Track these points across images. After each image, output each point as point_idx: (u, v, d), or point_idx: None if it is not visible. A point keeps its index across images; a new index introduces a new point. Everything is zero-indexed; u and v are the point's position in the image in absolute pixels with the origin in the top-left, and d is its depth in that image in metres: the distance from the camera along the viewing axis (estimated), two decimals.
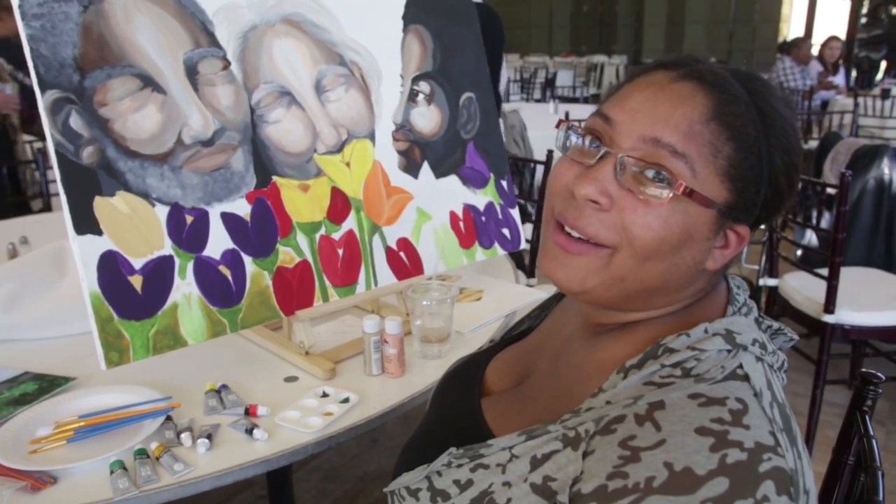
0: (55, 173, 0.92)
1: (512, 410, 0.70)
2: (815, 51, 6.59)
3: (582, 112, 4.18)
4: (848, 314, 2.08)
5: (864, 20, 10.53)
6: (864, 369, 0.81)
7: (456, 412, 0.75)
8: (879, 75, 7.62)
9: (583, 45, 12.86)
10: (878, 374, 0.77)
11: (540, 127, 4.09)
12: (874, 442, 0.72)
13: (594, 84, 10.09)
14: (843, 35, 10.78)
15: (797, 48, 6.39)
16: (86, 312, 1.25)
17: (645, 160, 0.58)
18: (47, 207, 2.81)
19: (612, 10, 12.91)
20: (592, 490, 0.52)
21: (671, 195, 0.57)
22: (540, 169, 2.47)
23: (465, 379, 0.79)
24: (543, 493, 0.56)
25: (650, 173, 0.58)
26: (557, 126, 0.65)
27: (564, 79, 9.49)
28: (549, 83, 8.71)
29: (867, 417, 0.76)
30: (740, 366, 0.56)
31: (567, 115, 3.76)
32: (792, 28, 12.01)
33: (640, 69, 0.64)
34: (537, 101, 8.01)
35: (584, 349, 0.68)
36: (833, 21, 11.54)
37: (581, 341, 0.69)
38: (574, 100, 8.21)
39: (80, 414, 0.98)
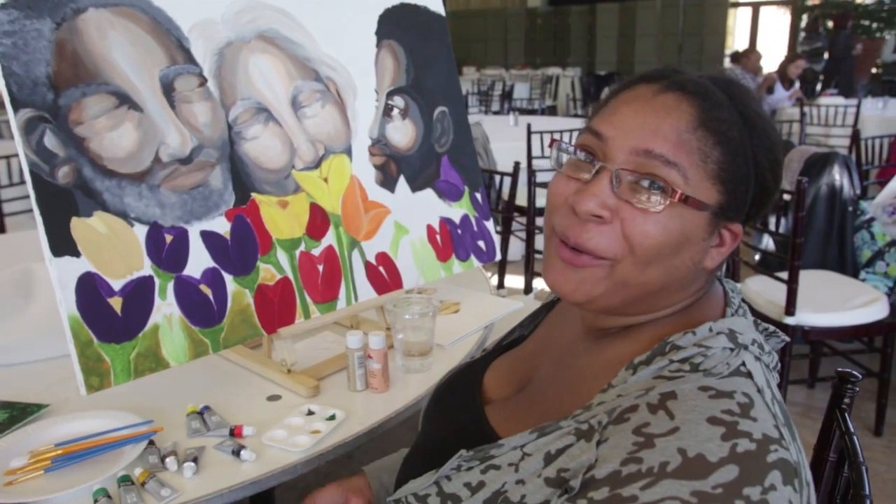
0: (29, 193, 0.89)
1: (517, 414, 0.71)
2: (765, 64, 6.85)
3: (542, 124, 4.24)
4: (807, 316, 2.16)
5: (802, 33, 10.99)
6: (837, 370, 0.84)
7: (461, 421, 0.75)
8: (819, 86, 7.97)
9: (538, 58, 13.06)
10: (855, 372, 0.80)
11: (502, 139, 4.13)
12: (856, 438, 0.75)
13: (549, 96, 10.24)
14: (784, 47, 11.23)
15: (746, 58, 6.66)
16: (56, 337, 1.21)
17: (639, 171, 0.61)
18: (1, 229, 2.72)
19: (565, 23, 13.15)
20: (606, 475, 0.54)
21: (668, 202, 0.60)
22: (507, 181, 2.49)
23: (464, 389, 0.80)
24: (557, 483, 0.58)
25: (645, 183, 0.60)
26: (550, 145, 0.68)
27: (521, 91, 9.60)
28: (507, 95, 8.81)
29: (847, 414, 0.79)
30: (743, 363, 0.59)
31: (529, 126, 3.81)
32: (737, 40, 12.44)
33: (622, 84, 0.68)
34: (496, 113, 8.08)
35: (588, 352, 0.70)
36: (774, 33, 12.01)
37: (583, 346, 0.71)
38: (532, 111, 8.31)
39: (57, 442, 0.95)
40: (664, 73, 0.65)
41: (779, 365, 0.66)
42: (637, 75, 0.67)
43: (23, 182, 3.11)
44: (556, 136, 3.82)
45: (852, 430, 0.77)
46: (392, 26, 1.36)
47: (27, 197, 2.97)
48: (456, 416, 0.77)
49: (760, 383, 0.58)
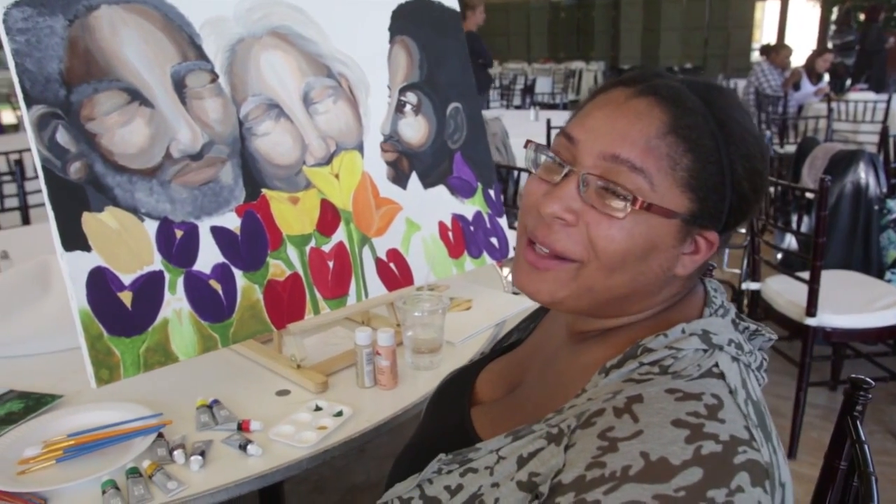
0: (42, 189, 0.90)
1: (501, 418, 0.71)
2: (795, 58, 6.73)
3: (562, 119, 4.21)
4: (829, 317, 2.12)
5: (833, 27, 10.75)
6: (850, 375, 0.83)
7: (446, 422, 0.76)
8: (849, 81, 7.79)
9: (560, 52, 12.96)
10: (868, 379, 0.79)
11: (522, 134, 4.10)
12: (867, 447, 0.73)
13: (573, 90, 10.17)
14: (814, 40, 11.01)
15: (776, 53, 6.53)
16: (71, 328, 1.23)
17: (605, 176, 0.61)
18: (26, 220, 2.77)
19: (588, 17, 13.03)
20: (572, 480, 0.53)
21: (630, 209, 0.60)
22: (524, 176, 2.48)
23: (457, 390, 0.80)
24: (528, 488, 0.58)
25: (611, 189, 0.60)
26: (525, 146, 0.68)
27: (543, 85, 9.55)
28: (529, 90, 8.76)
29: (858, 423, 0.77)
30: (716, 364, 0.58)
31: (549, 122, 3.78)
32: (764, 34, 12.22)
33: (600, 87, 0.67)
34: (517, 107, 8.05)
35: (568, 356, 0.70)
36: (804, 27, 11.77)
37: (566, 349, 0.71)
38: (553, 106, 8.27)
39: (69, 433, 0.97)
40: (642, 77, 0.65)
41: (765, 363, 0.65)
42: (616, 78, 0.67)
43: None
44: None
45: (863, 438, 0.75)
46: (405, 22, 1.36)
47: None
48: (444, 417, 0.78)
49: (734, 384, 0.57)
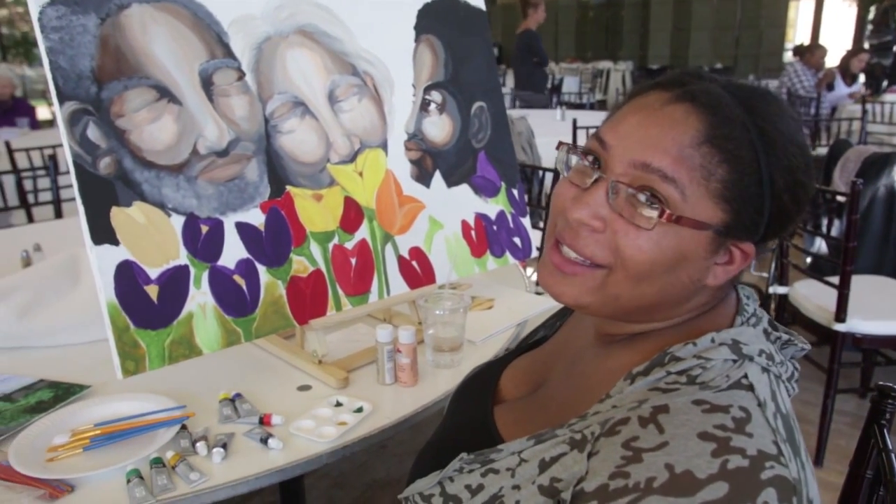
0: (72, 183, 0.92)
1: (524, 418, 0.71)
2: (829, 58, 6.60)
3: (589, 119, 4.18)
4: (859, 323, 2.07)
5: (870, 26, 10.52)
6: (879, 382, 0.81)
7: (469, 419, 0.76)
8: (886, 82, 7.61)
9: (588, 51, 12.87)
10: None
11: (547, 133, 4.09)
12: (893, 456, 0.72)
13: (600, 90, 10.09)
14: (849, 40, 10.77)
15: (810, 53, 6.40)
16: (99, 320, 1.25)
17: (635, 185, 0.59)
18: (59, 214, 2.83)
19: (617, 16, 12.91)
20: (594, 489, 0.53)
21: (659, 221, 0.58)
22: (549, 176, 2.47)
23: (481, 387, 0.80)
24: (550, 493, 0.57)
25: (640, 198, 0.59)
26: (557, 147, 0.67)
27: (570, 85, 9.48)
28: (556, 89, 8.71)
29: (885, 431, 0.76)
30: (745, 376, 0.57)
31: (575, 122, 3.76)
32: (798, 33, 11.99)
33: (637, 89, 0.65)
34: (543, 107, 8.01)
35: (595, 358, 0.69)
36: (839, 26, 11.52)
37: (592, 351, 0.71)
38: (580, 106, 8.20)
39: (96, 422, 0.99)
40: (680, 81, 0.62)
41: (796, 374, 0.63)
42: (654, 80, 0.65)
43: None
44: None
45: (890, 447, 0.73)
46: (431, 21, 1.36)
47: None
48: (467, 414, 0.78)
49: (763, 396, 0.56)
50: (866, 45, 8.68)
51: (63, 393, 1.09)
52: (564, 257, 0.64)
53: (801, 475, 0.53)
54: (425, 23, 1.36)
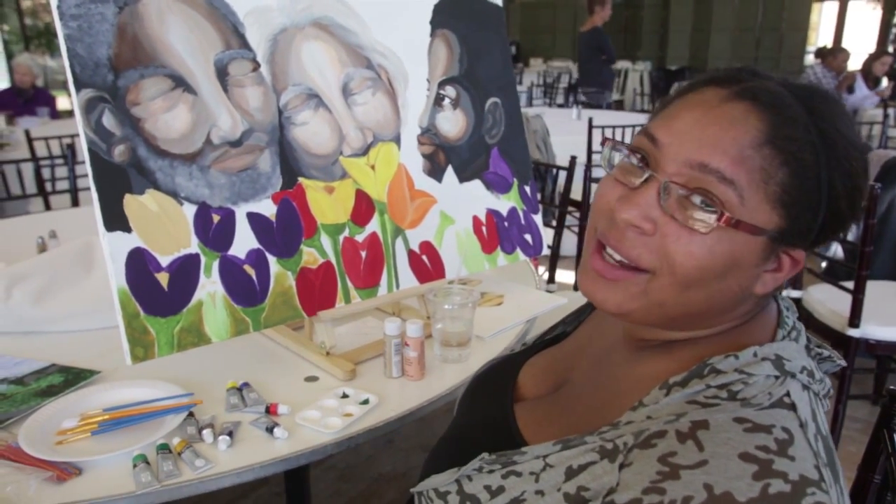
0: (87, 170, 0.93)
1: (546, 419, 0.69)
2: (852, 62, 6.51)
3: (605, 118, 4.16)
4: (873, 328, 2.05)
5: (894, 30, 10.36)
6: (891, 386, 0.80)
7: (488, 416, 0.74)
8: None
9: None
10: None
11: (563, 132, 4.08)
12: None
13: (617, 90, 10.02)
14: (873, 44, 10.63)
15: (833, 57, 6.31)
16: (111, 307, 1.27)
17: (690, 186, 0.56)
18: (75, 203, 2.86)
19: (637, 15, 12.82)
20: (626, 502, 0.51)
21: (716, 225, 0.55)
22: (563, 175, 2.46)
23: (498, 382, 0.78)
24: (576, 501, 0.55)
25: (695, 200, 0.56)
26: (602, 143, 0.64)
27: None
28: (573, 88, 8.67)
29: (895, 435, 0.75)
30: (787, 394, 0.54)
31: (591, 121, 3.74)
32: (820, 37, 11.84)
33: (691, 84, 0.62)
34: (560, 106, 7.99)
35: (624, 363, 0.67)
36: (863, 30, 11.37)
37: (622, 354, 0.68)
38: (597, 105, 8.16)
39: (105, 407, 1.00)
40: (738, 77, 0.60)
41: (830, 391, 0.61)
42: (708, 74, 0.62)
43: None
44: (609, 135, 3.74)
45: None
46: (447, 15, 1.36)
47: None
48: (485, 411, 0.76)
49: (805, 416, 0.54)
50: (890, 49, 8.56)
51: (73, 378, 1.10)
52: (606, 263, 0.61)
53: (840, 501, 0.52)
54: (441, 17, 1.35)
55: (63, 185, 2.99)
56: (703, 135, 0.56)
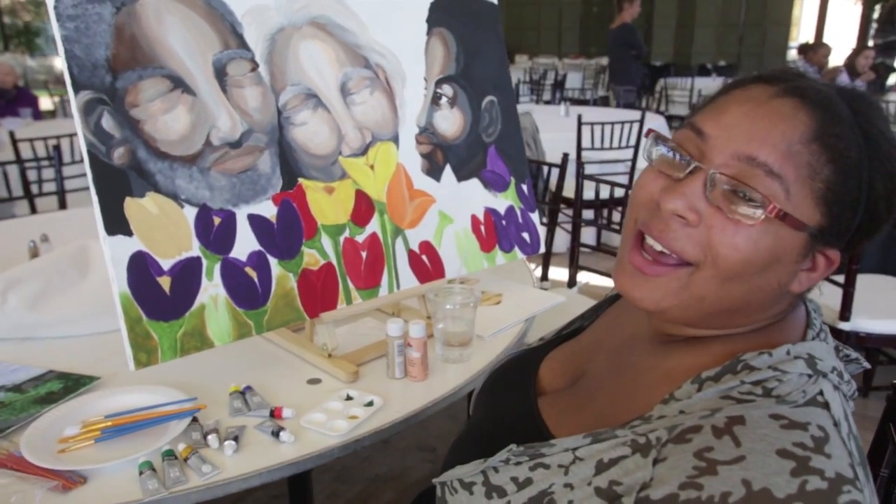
0: (87, 173, 0.92)
1: (569, 410, 0.69)
2: (836, 57, 6.61)
3: (593, 115, 4.17)
4: (864, 322, 2.08)
5: (875, 25, 10.49)
6: (889, 381, 0.81)
7: (513, 410, 0.74)
8: (892, 80, 7.60)
9: (592, 47, 12.82)
10: None
11: (551, 129, 4.08)
12: None
13: (602, 86, 10.06)
14: (853, 40, 10.75)
15: (813, 52, 6.42)
16: (108, 312, 1.25)
17: (737, 178, 0.56)
18: (62, 205, 2.82)
19: None
20: (662, 497, 0.51)
21: (763, 217, 0.56)
22: (555, 172, 2.46)
23: (519, 377, 0.79)
24: (608, 496, 0.55)
25: (742, 193, 0.56)
26: (646, 135, 0.65)
27: (573, 80, 9.46)
28: (559, 85, 8.69)
29: None
30: (821, 393, 0.55)
31: (580, 117, 3.75)
32: (802, 32, 11.96)
33: (736, 82, 0.63)
34: (546, 102, 8.00)
35: (650, 356, 0.67)
36: (844, 26, 11.50)
37: (646, 347, 0.68)
38: (584, 102, 8.18)
39: (107, 414, 0.99)
40: (785, 76, 0.60)
41: (856, 393, 0.61)
42: (754, 74, 0.63)
43: (82, 160, 3.24)
44: (598, 132, 3.75)
45: None
46: (443, 14, 1.36)
47: (85, 175, 3.09)
48: (509, 405, 0.76)
49: (838, 416, 0.54)
50: (870, 44, 8.67)
51: (73, 384, 1.08)
52: (645, 258, 0.61)
53: (873, 501, 0.52)
54: (437, 16, 1.35)
55: (50, 186, 2.95)
56: (753, 128, 0.57)
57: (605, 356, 0.74)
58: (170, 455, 0.89)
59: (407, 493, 2.02)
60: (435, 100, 1.34)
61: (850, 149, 0.56)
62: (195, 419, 0.98)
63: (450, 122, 1.36)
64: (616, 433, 0.58)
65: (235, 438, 0.93)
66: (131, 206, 0.95)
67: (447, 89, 1.36)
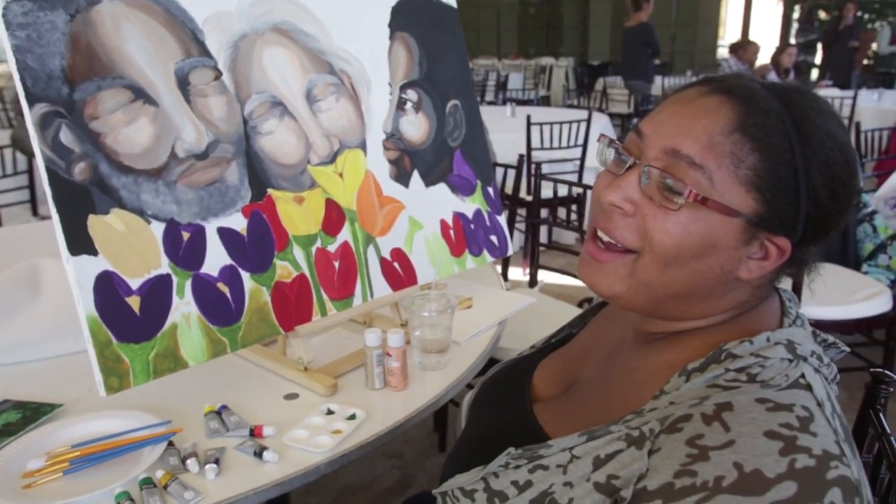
0: (46, 191, 0.87)
1: (564, 415, 0.71)
2: (762, 55, 6.92)
3: (539, 115, 4.21)
4: (812, 309, 2.16)
5: (796, 24, 11.00)
6: (874, 368, 0.84)
7: (509, 417, 0.76)
8: (813, 77, 8.01)
9: (530, 48, 13.01)
10: (890, 373, 0.80)
11: (499, 129, 4.10)
12: (894, 440, 0.74)
13: (543, 86, 10.21)
14: (776, 38, 11.25)
15: (744, 50, 6.72)
16: (65, 334, 1.19)
17: (663, 169, 0.61)
18: None
19: (558, 12, 13.10)
20: (658, 487, 0.53)
21: (683, 202, 0.60)
22: (511, 173, 2.48)
23: (513, 385, 0.80)
24: (607, 490, 0.57)
25: (668, 182, 0.60)
26: (598, 139, 0.69)
27: (515, 81, 9.56)
28: (502, 86, 8.77)
29: (882, 415, 0.79)
30: (802, 375, 0.57)
31: (529, 118, 3.79)
32: (729, 31, 12.44)
33: (680, 87, 0.68)
34: (490, 103, 8.06)
35: (636, 355, 0.69)
36: (767, 25, 12.02)
37: (632, 347, 0.71)
38: (528, 102, 8.28)
39: (73, 443, 0.93)
40: (722, 79, 0.64)
41: (838, 377, 0.64)
42: (699, 78, 0.67)
43: (17, 173, 3.07)
44: (547, 131, 3.80)
45: (888, 431, 0.76)
46: (405, 18, 1.34)
47: (23, 188, 2.92)
48: (505, 412, 0.77)
49: (820, 396, 0.57)
50: (792, 41, 9.10)
51: (32, 413, 1.02)
52: (597, 247, 0.66)
53: (860, 475, 0.54)
54: (399, 20, 1.33)
55: None
56: (679, 124, 0.62)
57: (595, 362, 0.76)
58: (148, 483, 0.85)
59: (378, 501, 1.99)
60: (400, 105, 1.32)
61: (774, 137, 0.59)
62: (171, 443, 0.93)
63: (416, 128, 1.35)
64: (610, 429, 0.60)
65: (216, 461, 0.89)
66: (95, 223, 0.90)
67: (412, 94, 1.34)
